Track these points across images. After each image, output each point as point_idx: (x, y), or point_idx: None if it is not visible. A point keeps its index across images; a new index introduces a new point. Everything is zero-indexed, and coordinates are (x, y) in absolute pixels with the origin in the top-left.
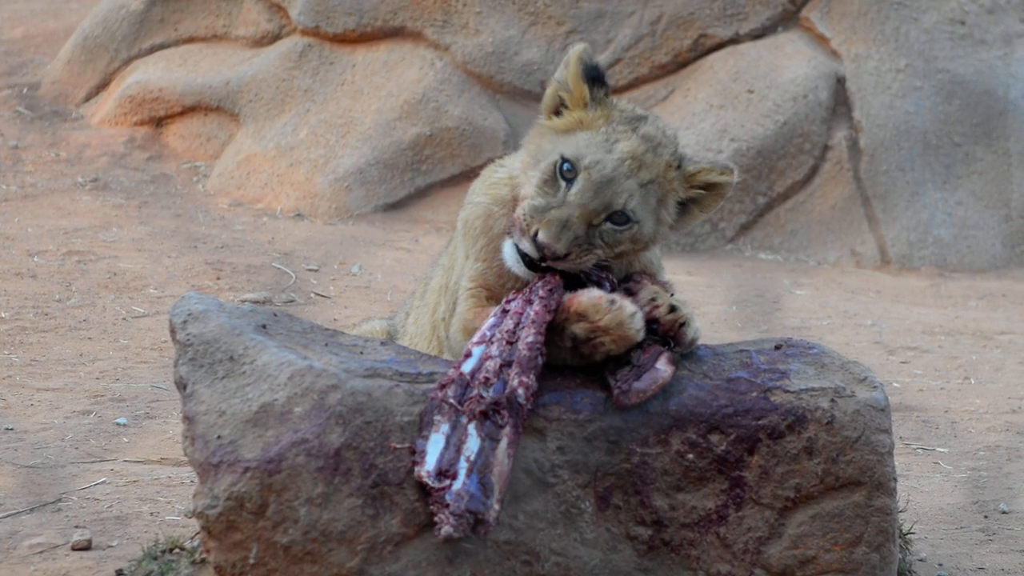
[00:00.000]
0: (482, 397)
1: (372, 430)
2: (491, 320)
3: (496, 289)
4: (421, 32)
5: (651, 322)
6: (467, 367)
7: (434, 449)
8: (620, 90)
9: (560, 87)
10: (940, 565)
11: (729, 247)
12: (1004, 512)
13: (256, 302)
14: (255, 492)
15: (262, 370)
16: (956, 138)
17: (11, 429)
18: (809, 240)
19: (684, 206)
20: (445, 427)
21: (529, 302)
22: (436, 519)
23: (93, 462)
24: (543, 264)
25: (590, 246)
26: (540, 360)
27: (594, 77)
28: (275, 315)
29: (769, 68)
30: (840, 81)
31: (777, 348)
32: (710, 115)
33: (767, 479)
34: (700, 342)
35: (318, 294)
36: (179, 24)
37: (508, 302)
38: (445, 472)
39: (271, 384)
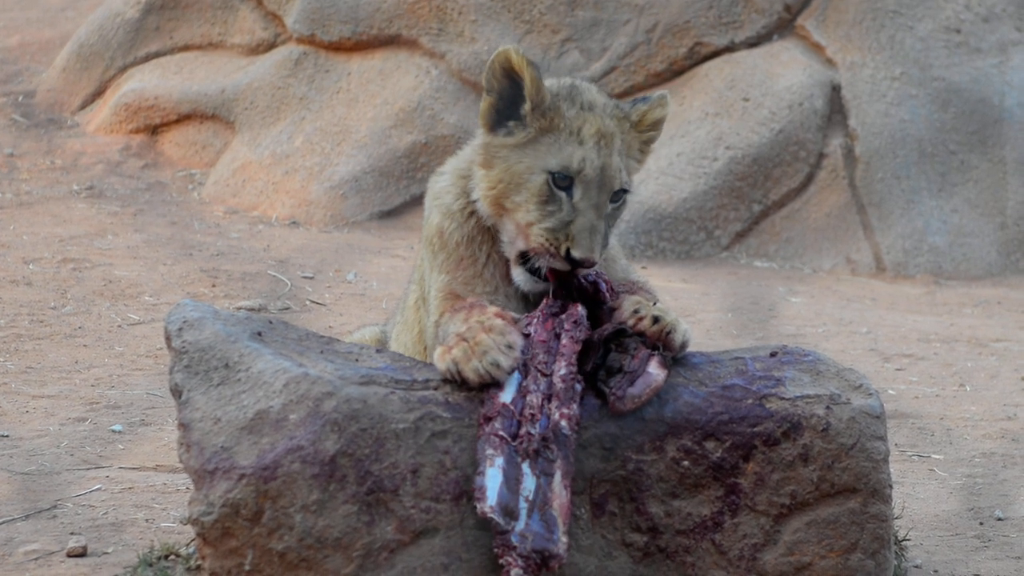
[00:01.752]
0: (531, 435)
1: (367, 437)
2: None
3: (464, 294)
4: (416, 40)
5: (638, 335)
6: (506, 397)
7: (493, 484)
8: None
9: (499, 96)
10: (935, 572)
11: (724, 255)
12: (999, 519)
13: (251, 309)
14: (250, 499)
15: (257, 377)
16: (951, 146)
17: (6, 436)
18: (804, 248)
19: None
20: (500, 460)
21: (556, 336)
22: (503, 561)
23: (88, 469)
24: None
25: (606, 240)
26: (578, 387)
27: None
28: (270, 322)
29: (764, 76)
30: (835, 89)
31: (772, 355)
32: (705, 123)
33: (762, 486)
34: (692, 347)
35: (313, 301)
36: (174, 32)
37: (527, 325)
38: (508, 510)
39: (266, 391)
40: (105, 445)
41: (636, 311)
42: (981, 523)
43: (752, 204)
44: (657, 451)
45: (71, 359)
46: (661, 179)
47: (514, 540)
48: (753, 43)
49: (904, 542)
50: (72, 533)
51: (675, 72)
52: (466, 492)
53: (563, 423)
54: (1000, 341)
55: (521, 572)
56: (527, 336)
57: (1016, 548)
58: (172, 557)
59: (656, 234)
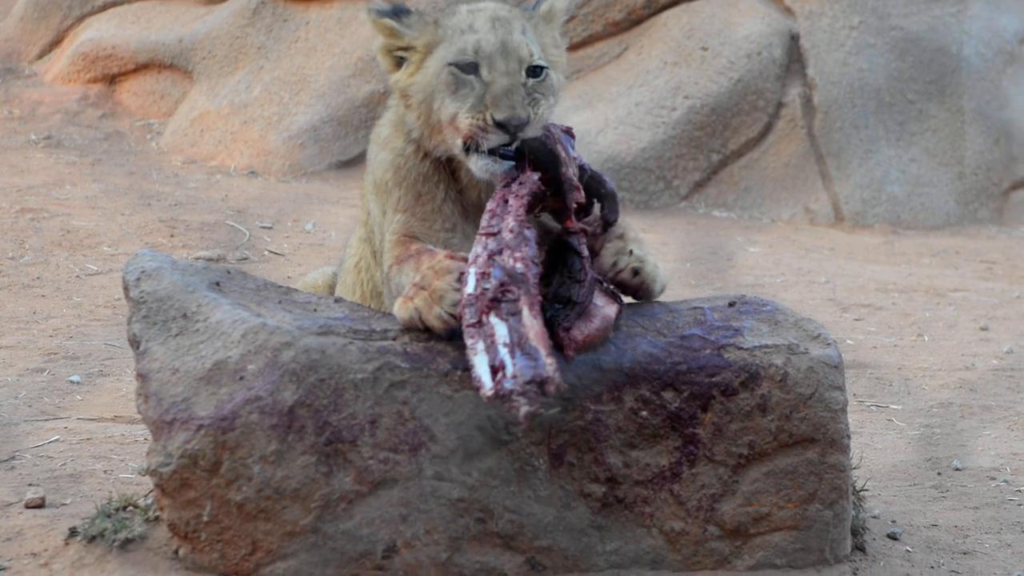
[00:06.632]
0: (485, 290)
1: (326, 387)
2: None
3: (423, 234)
4: None
5: (618, 285)
6: (469, 288)
7: (482, 369)
8: (574, 47)
9: (388, 44)
10: (893, 522)
11: (683, 204)
12: (957, 469)
13: (210, 259)
14: (209, 450)
15: (215, 327)
16: (910, 95)
17: None
18: (763, 197)
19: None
20: (479, 344)
21: (505, 201)
22: (510, 409)
23: (46, 420)
24: (516, 143)
25: (534, 99)
26: (528, 233)
27: (398, 12)
28: (228, 272)
29: (723, 25)
30: (794, 38)
31: (731, 305)
32: (664, 72)
33: (721, 436)
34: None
35: (272, 251)
36: None
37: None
38: (500, 367)
39: (224, 342)
40: (63, 396)
41: (615, 263)
42: (939, 473)
43: (711, 154)
44: (615, 401)
45: (29, 309)
46: (620, 128)
47: (508, 385)
48: None
49: (862, 492)
50: (30, 484)
51: (633, 21)
52: (424, 443)
53: (517, 265)
54: (958, 291)
55: (527, 407)
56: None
57: (974, 498)
58: (130, 508)
59: (615, 184)
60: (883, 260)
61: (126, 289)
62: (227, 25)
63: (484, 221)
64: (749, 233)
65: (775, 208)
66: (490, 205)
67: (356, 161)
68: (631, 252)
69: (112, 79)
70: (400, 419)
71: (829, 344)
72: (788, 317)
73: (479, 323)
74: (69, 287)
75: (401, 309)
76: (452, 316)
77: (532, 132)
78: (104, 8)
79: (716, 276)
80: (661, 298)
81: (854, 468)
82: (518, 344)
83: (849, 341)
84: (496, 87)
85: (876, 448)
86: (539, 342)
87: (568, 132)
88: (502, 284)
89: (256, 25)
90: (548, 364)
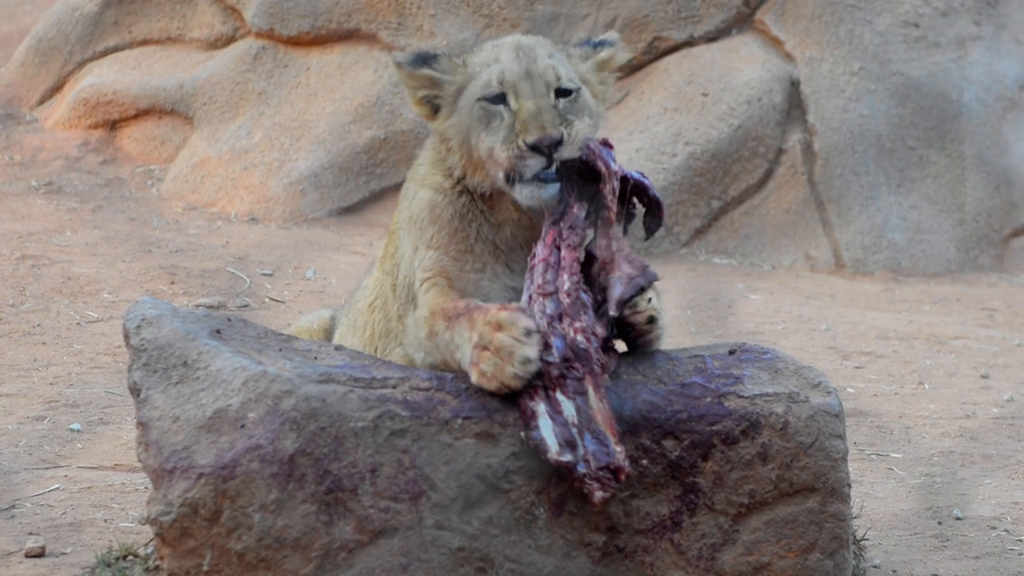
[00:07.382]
0: (549, 363)
1: (326, 436)
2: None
3: (455, 274)
4: (375, 35)
5: (628, 325)
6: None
7: (547, 432)
8: None
9: (423, 95)
10: (894, 572)
11: (683, 251)
12: (958, 518)
13: (210, 307)
14: (209, 498)
15: (216, 375)
16: (910, 141)
17: None
18: (763, 244)
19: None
20: (541, 406)
21: (556, 248)
22: (585, 491)
23: (47, 468)
24: (555, 165)
25: (566, 120)
26: (584, 297)
27: (425, 59)
28: (229, 320)
29: (723, 71)
30: (794, 84)
31: (731, 353)
32: (664, 118)
33: (721, 485)
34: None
35: (272, 299)
36: (133, 26)
37: (532, 256)
38: (571, 444)
39: (225, 390)
40: (63, 444)
41: (635, 304)
42: (939, 522)
43: (711, 200)
44: None
45: (29, 357)
46: None
47: (581, 469)
48: (712, 37)
49: (863, 542)
50: (30, 533)
51: (634, 67)
52: (424, 492)
53: (578, 338)
54: (959, 339)
55: (602, 493)
56: (531, 268)
57: (974, 548)
58: (130, 557)
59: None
60: (884, 307)
61: (127, 336)
62: (228, 71)
63: (538, 273)
64: (750, 280)
65: (776, 255)
66: (541, 251)
67: (357, 208)
68: (650, 300)
69: (113, 125)
70: (400, 468)
71: (830, 392)
72: (789, 365)
73: (538, 386)
74: (69, 334)
75: (481, 381)
76: (527, 371)
77: (569, 152)
78: (105, 54)
79: (717, 323)
80: (661, 346)
81: (855, 517)
82: (587, 426)
83: (850, 389)
84: (523, 112)
85: (877, 497)
86: (607, 427)
87: (606, 144)
88: (566, 359)
89: (257, 71)
90: (618, 451)
